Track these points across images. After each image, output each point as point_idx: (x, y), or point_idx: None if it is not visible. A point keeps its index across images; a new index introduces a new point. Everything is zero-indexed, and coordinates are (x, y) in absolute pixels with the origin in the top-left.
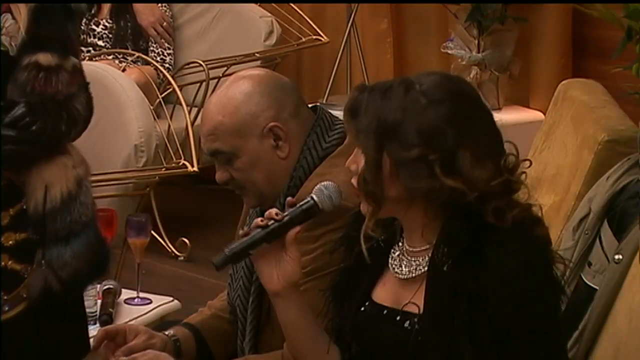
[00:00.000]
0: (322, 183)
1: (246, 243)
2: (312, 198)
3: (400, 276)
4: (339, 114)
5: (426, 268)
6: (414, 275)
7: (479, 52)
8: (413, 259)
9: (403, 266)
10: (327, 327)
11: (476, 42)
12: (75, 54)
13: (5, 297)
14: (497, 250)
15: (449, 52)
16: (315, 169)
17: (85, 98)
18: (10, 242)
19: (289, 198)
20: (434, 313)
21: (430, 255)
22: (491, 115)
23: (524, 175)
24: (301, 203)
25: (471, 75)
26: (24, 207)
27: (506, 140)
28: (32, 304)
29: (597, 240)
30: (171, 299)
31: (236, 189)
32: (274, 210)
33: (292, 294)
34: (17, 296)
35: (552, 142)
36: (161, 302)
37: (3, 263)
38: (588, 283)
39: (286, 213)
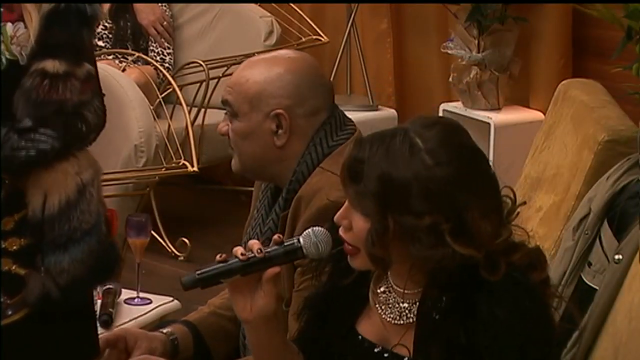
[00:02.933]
0: (313, 228)
1: (219, 270)
2: (298, 241)
3: (389, 320)
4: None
5: (414, 316)
6: (402, 322)
7: (479, 52)
8: (400, 302)
9: (389, 309)
10: (300, 345)
11: (476, 42)
12: (90, 61)
13: (8, 302)
14: (489, 302)
15: (449, 52)
16: (319, 164)
17: (97, 106)
18: (15, 247)
19: (275, 236)
20: None
21: (418, 300)
22: (487, 159)
23: (518, 218)
24: (286, 243)
25: (471, 75)
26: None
27: (504, 186)
28: (32, 310)
29: (597, 240)
30: (171, 299)
31: (230, 146)
32: (257, 245)
33: (263, 323)
34: (21, 300)
35: (552, 142)
36: (161, 302)
37: (7, 267)
38: (588, 283)
39: (268, 250)
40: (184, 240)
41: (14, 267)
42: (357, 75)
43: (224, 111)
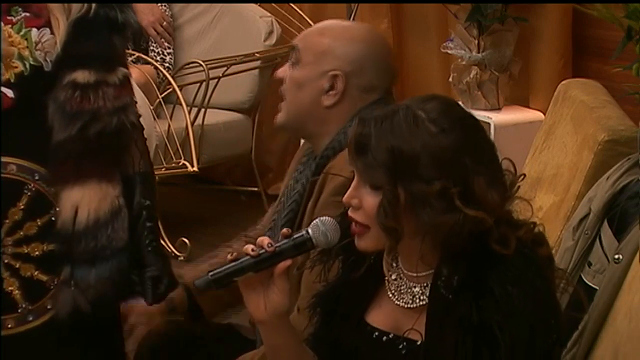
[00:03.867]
0: (320, 218)
1: (232, 269)
2: (307, 232)
3: (402, 305)
4: None
5: (427, 299)
6: (415, 305)
7: (479, 52)
8: (413, 286)
9: (402, 294)
10: (312, 345)
11: (476, 42)
12: (125, 66)
13: (30, 307)
14: (501, 279)
15: (449, 52)
16: (342, 150)
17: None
18: (37, 253)
19: (284, 230)
20: (437, 342)
21: (430, 282)
22: (487, 133)
23: (520, 191)
24: (295, 236)
25: (471, 75)
26: (52, 218)
27: (503, 158)
28: (60, 321)
29: (597, 240)
30: None
31: (282, 95)
32: (266, 240)
33: (278, 323)
34: (42, 307)
35: (552, 142)
36: None
37: (29, 273)
38: (588, 283)
39: (278, 244)
40: (184, 240)
41: (36, 273)
42: None
43: (224, 111)
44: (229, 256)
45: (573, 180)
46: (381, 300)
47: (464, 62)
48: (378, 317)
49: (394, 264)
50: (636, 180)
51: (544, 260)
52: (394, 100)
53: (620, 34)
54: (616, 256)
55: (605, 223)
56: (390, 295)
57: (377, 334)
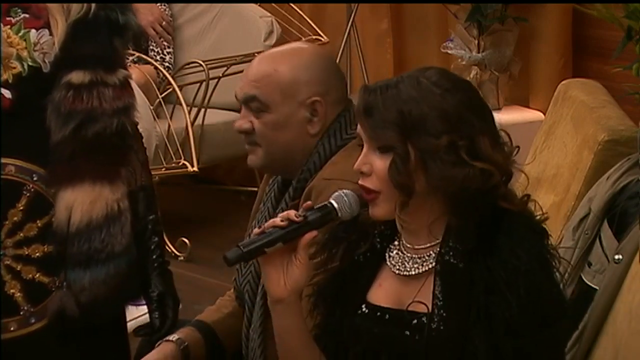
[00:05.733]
0: (342, 190)
1: (262, 241)
2: (331, 204)
3: (404, 273)
4: None
5: (433, 264)
6: (420, 271)
7: (479, 52)
8: (417, 257)
9: (406, 264)
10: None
11: (476, 42)
12: (124, 68)
13: (32, 310)
14: (509, 241)
15: (449, 52)
16: (331, 156)
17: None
18: (38, 254)
19: (308, 202)
20: (450, 308)
21: (437, 251)
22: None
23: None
24: (319, 206)
25: (471, 75)
26: (53, 219)
27: (499, 129)
28: (50, 324)
29: (597, 240)
30: None
31: (249, 143)
32: (292, 212)
33: (295, 301)
34: (44, 309)
35: (552, 142)
36: None
37: (30, 275)
38: (588, 283)
39: (304, 215)
40: (184, 240)
41: (37, 275)
42: (357, 75)
43: (224, 111)
44: (255, 229)
45: (573, 180)
46: (381, 279)
47: (464, 62)
48: (380, 295)
49: (396, 242)
50: (636, 180)
51: (543, 231)
52: (354, 106)
53: (620, 34)
54: (616, 256)
55: (605, 223)
56: (391, 266)
57: (379, 312)
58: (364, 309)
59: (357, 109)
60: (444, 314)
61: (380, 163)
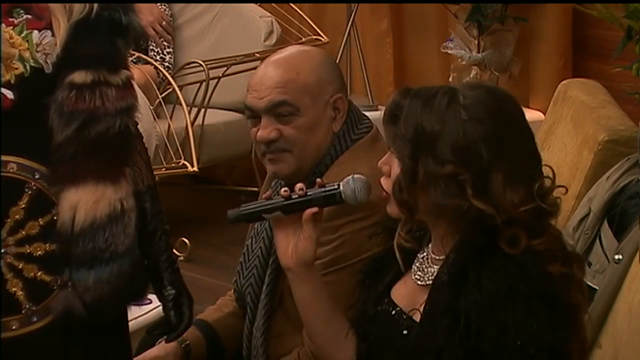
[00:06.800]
0: (353, 175)
1: (262, 206)
2: (338, 185)
3: (418, 282)
4: None
5: (432, 279)
6: (424, 283)
7: (479, 52)
8: (431, 266)
9: (421, 271)
10: (352, 312)
11: (476, 42)
12: (126, 69)
13: (34, 308)
14: (480, 272)
15: (449, 52)
16: (337, 158)
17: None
18: (40, 253)
19: (318, 179)
20: (428, 324)
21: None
22: (532, 136)
23: (558, 201)
24: (327, 187)
25: (471, 76)
26: (54, 218)
27: (545, 164)
28: (55, 323)
29: (597, 240)
30: None
31: (273, 152)
32: (300, 185)
33: (304, 272)
34: (46, 308)
35: (552, 142)
36: None
37: (32, 274)
38: (588, 283)
39: (309, 191)
40: (184, 240)
41: (39, 274)
42: (357, 75)
43: (224, 111)
44: (263, 195)
45: (573, 180)
46: (407, 277)
47: (464, 62)
48: (400, 293)
49: (430, 245)
50: (636, 180)
51: (544, 275)
52: (354, 106)
53: (620, 34)
54: (616, 256)
55: (605, 223)
56: (412, 272)
57: (391, 309)
58: (385, 302)
59: (385, 111)
60: (424, 329)
61: (396, 169)
